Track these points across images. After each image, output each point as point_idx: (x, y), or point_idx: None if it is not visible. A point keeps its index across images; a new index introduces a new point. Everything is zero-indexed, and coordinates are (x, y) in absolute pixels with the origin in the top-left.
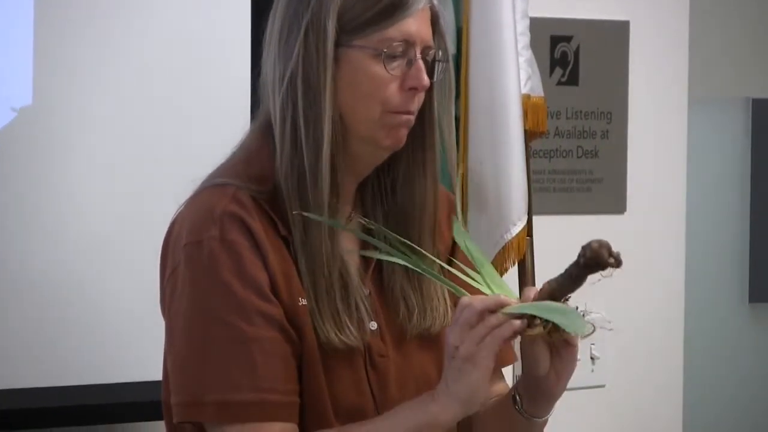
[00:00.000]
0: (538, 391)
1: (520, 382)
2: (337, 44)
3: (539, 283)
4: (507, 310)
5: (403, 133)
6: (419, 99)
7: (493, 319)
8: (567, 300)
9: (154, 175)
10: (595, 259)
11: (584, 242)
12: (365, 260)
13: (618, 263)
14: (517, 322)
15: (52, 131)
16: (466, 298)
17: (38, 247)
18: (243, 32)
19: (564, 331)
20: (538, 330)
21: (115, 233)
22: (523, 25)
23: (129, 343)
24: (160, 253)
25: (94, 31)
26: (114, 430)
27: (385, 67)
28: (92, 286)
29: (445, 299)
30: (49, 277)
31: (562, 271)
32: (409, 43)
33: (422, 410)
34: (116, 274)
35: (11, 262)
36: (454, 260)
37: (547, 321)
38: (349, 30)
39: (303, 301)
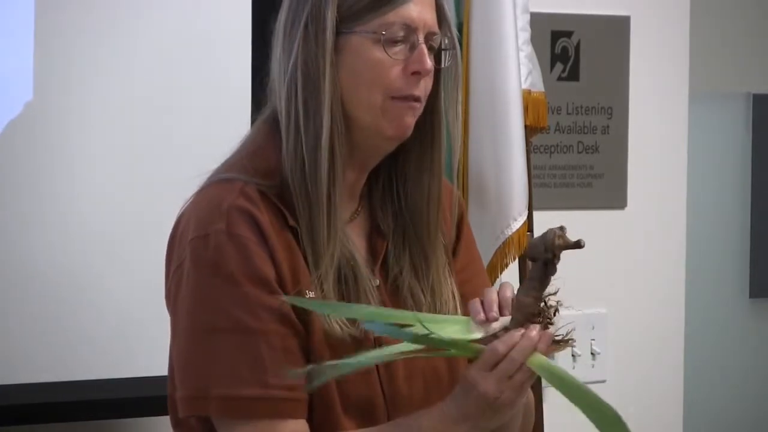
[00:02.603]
0: None
1: None
2: (339, 32)
3: None
4: (534, 365)
5: (409, 121)
6: (425, 86)
7: (530, 369)
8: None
9: (156, 172)
10: (557, 243)
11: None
12: (373, 252)
13: (566, 242)
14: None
15: (53, 128)
16: (500, 347)
17: (40, 243)
18: (244, 31)
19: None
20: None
21: (117, 229)
22: (523, 21)
23: (134, 338)
24: (166, 248)
25: (95, 29)
26: (119, 425)
27: (386, 51)
28: (96, 281)
29: (454, 296)
30: (53, 273)
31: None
32: (410, 27)
33: None
34: (120, 270)
35: (13, 259)
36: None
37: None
38: (348, 17)
39: (311, 294)
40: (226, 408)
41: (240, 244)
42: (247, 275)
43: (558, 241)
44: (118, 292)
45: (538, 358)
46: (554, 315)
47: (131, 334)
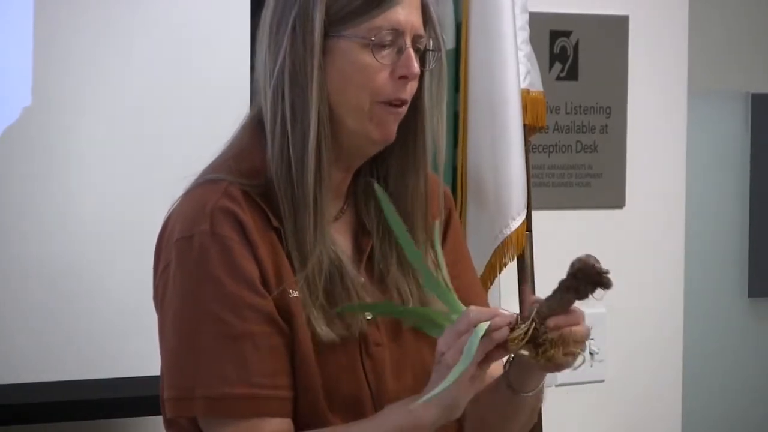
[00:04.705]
0: (525, 371)
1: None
2: (327, 35)
3: (538, 279)
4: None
5: (393, 127)
6: (411, 88)
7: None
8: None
9: (154, 173)
10: (583, 270)
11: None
12: (358, 250)
13: (608, 280)
14: (504, 332)
15: (52, 131)
16: (471, 308)
17: (37, 245)
18: (242, 31)
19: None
20: (520, 332)
21: (114, 230)
22: (522, 20)
23: (130, 338)
24: (154, 249)
25: (94, 30)
26: (119, 424)
27: (374, 56)
28: (92, 282)
29: None
30: (49, 275)
31: (559, 265)
32: (398, 31)
33: (405, 410)
34: (116, 271)
35: (11, 260)
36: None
37: (528, 329)
38: (337, 20)
39: (295, 293)
40: (211, 408)
41: (224, 245)
42: (230, 275)
43: (583, 256)
44: (117, 292)
45: (479, 330)
46: (530, 332)
47: (130, 333)
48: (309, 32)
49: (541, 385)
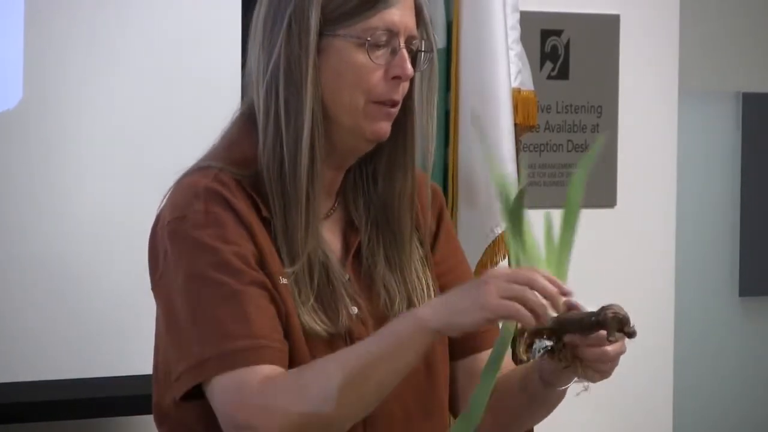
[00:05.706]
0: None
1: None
2: (322, 34)
3: None
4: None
5: (386, 125)
6: (403, 89)
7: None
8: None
9: (146, 170)
10: (607, 323)
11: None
12: (345, 247)
13: (631, 335)
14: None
15: (43, 127)
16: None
17: (33, 245)
18: (233, 27)
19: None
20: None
21: (107, 228)
22: (513, 19)
23: (126, 337)
24: (148, 242)
25: (85, 28)
26: (108, 423)
27: (369, 56)
28: (85, 280)
29: (429, 287)
30: (42, 273)
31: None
32: (392, 32)
33: (411, 316)
34: (109, 269)
35: (4, 258)
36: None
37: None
38: (332, 19)
39: (284, 281)
40: (221, 366)
41: (218, 221)
42: (225, 245)
43: (609, 314)
44: (113, 292)
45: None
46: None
47: (126, 332)
48: (304, 30)
49: (572, 381)
